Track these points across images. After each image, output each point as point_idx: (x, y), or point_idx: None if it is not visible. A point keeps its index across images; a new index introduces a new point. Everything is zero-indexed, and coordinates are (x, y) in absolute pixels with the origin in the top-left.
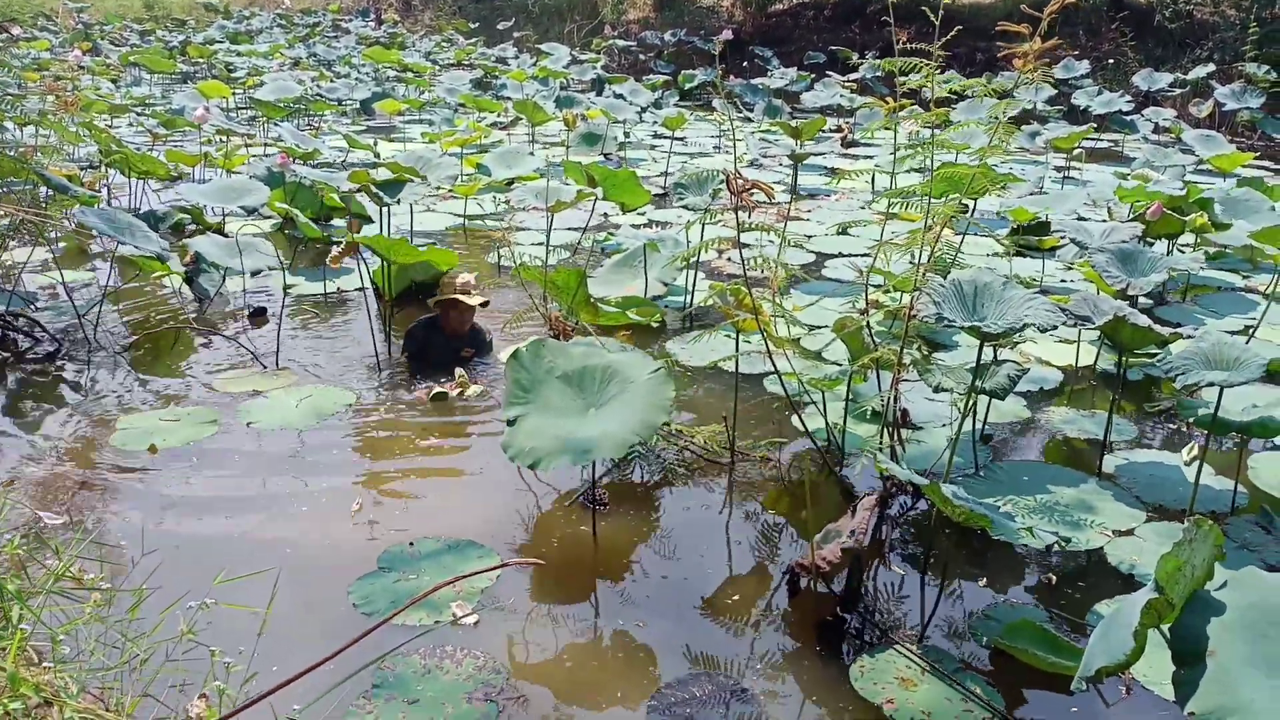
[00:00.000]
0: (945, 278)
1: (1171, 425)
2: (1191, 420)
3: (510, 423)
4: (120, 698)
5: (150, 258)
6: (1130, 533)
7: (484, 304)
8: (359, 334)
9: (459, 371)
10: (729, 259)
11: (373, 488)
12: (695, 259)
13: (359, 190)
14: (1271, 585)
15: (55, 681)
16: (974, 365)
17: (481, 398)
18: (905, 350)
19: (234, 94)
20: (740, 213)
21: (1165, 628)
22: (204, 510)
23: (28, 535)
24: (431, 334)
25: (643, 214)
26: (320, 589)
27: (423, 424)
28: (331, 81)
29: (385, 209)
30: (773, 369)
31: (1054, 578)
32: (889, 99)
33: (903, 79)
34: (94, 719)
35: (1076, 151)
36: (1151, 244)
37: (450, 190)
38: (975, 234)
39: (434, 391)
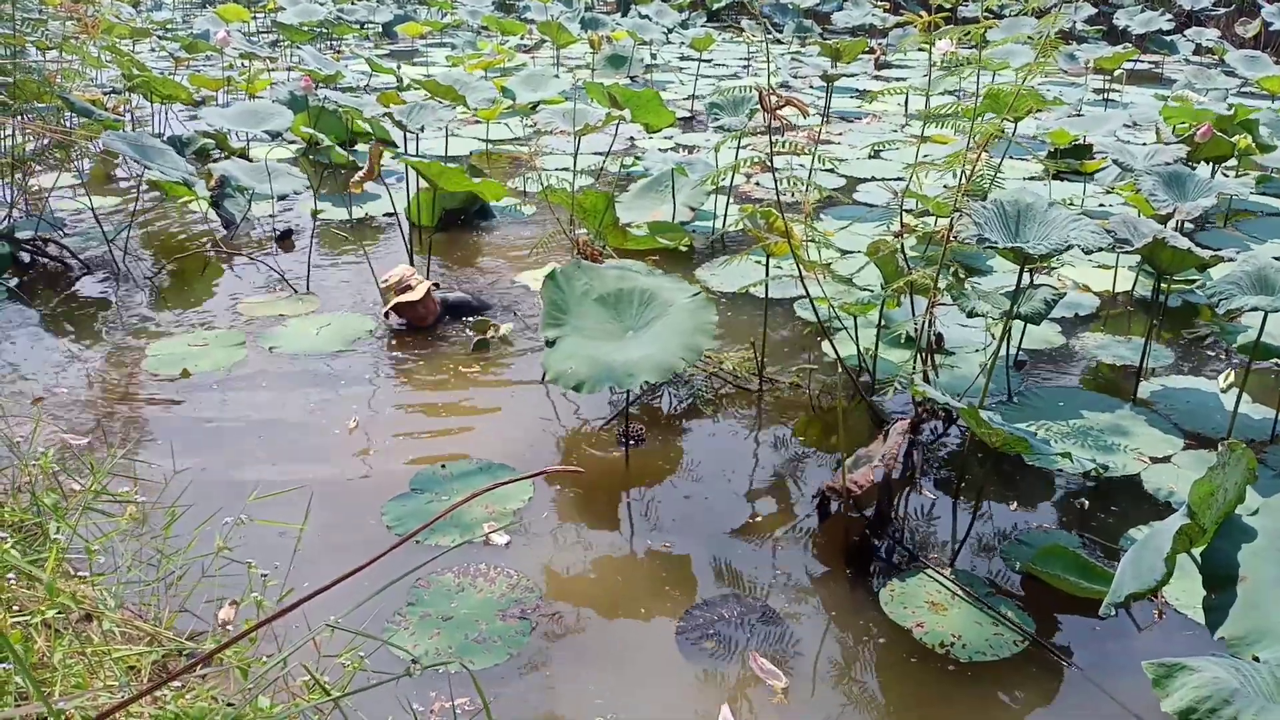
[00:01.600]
0: (984, 200)
1: (1210, 352)
2: (1233, 346)
3: (550, 343)
4: (158, 612)
5: (176, 183)
6: (1167, 460)
7: (432, 288)
8: (391, 260)
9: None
10: (757, 183)
11: (401, 412)
12: (729, 181)
13: (384, 115)
14: None
15: (93, 595)
16: (1012, 290)
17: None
18: (941, 274)
19: (253, 18)
20: (774, 133)
21: (1197, 553)
22: (234, 433)
23: (62, 454)
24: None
25: (669, 138)
26: (352, 510)
27: (449, 352)
28: (353, 4)
29: (412, 134)
30: (804, 294)
31: (1087, 503)
32: (921, 15)
33: None
34: (132, 631)
35: (1116, 73)
36: (1194, 167)
37: (474, 114)
38: (1014, 157)
39: (475, 340)
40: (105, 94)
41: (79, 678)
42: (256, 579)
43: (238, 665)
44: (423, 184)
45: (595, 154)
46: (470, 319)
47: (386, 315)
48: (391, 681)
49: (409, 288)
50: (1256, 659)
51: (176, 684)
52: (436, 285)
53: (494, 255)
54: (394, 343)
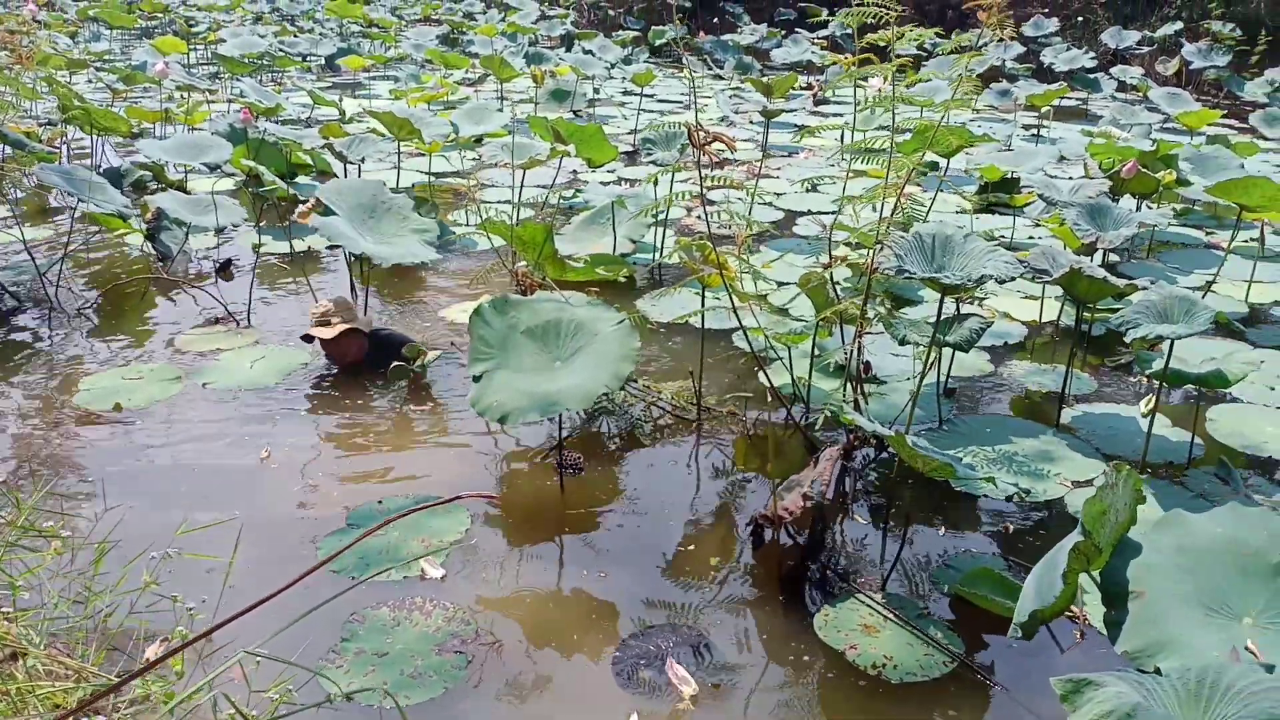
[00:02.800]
0: (906, 232)
1: (1131, 379)
2: (1149, 373)
3: (476, 379)
4: (85, 650)
5: (112, 215)
6: (1089, 483)
7: (345, 333)
8: (332, 292)
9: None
10: (698, 216)
11: (338, 447)
12: (665, 215)
13: (324, 146)
14: (1197, 526)
15: (18, 632)
16: (941, 320)
17: (441, 361)
18: (869, 304)
19: (192, 49)
20: (705, 167)
21: (1095, 573)
22: (165, 470)
23: None
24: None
25: (612, 171)
26: (289, 547)
27: (385, 386)
28: (295, 36)
29: (354, 165)
30: (739, 325)
31: (1013, 528)
32: (849, 55)
33: (865, 35)
34: (58, 669)
35: (1044, 110)
36: (1117, 200)
37: (415, 147)
38: (945, 191)
39: (393, 367)
40: (40, 125)
41: (3, 715)
42: (184, 613)
43: (163, 700)
44: None
45: (538, 187)
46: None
47: (308, 340)
48: (314, 709)
49: (326, 324)
50: (1158, 671)
51: (100, 718)
52: (355, 329)
53: (434, 290)
54: (328, 378)
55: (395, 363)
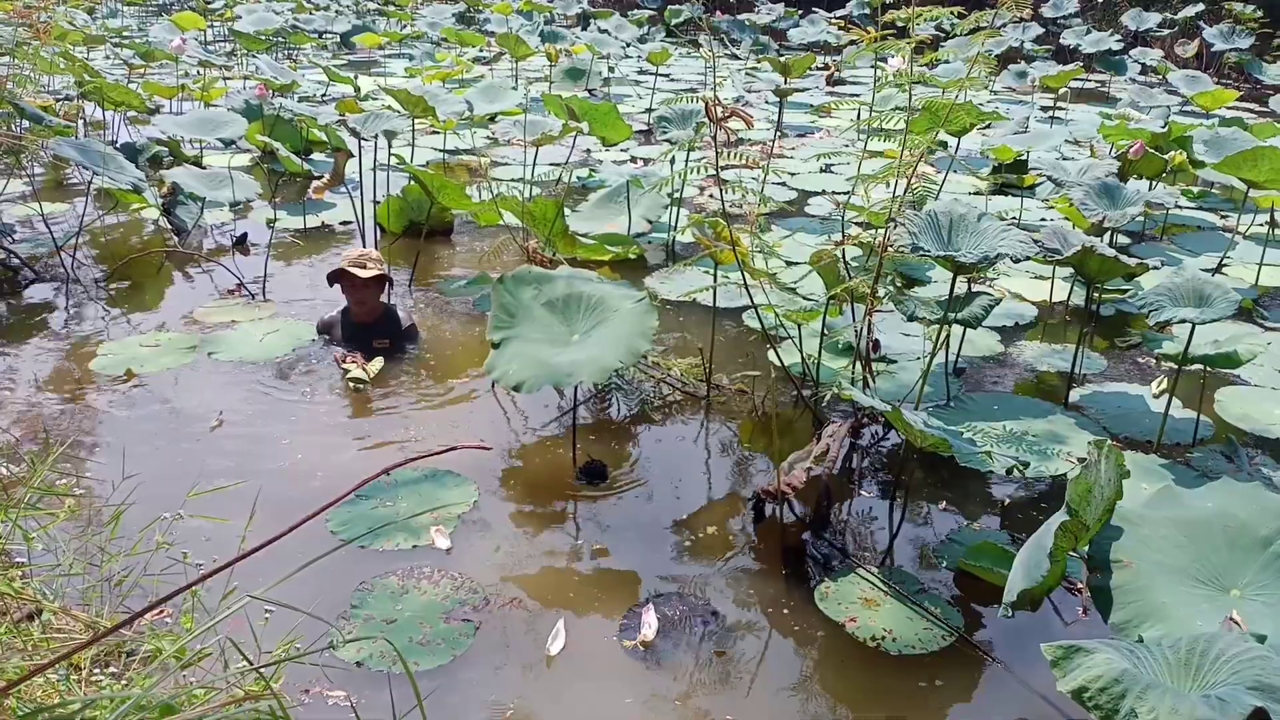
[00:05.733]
0: (919, 211)
1: (1140, 360)
2: (1160, 354)
3: (496, 345)
4: (99, 609)
5: (126, 189)
6: None
7: (379, 279)
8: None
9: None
10: (710, 195)
11: (348, 419)
12: (679, 194)
13: (339, 123)
14: (1185, 499)
15: (34, 589)
16: (947, 296)
17: (457, 335)
18: (879, 283)
19: (209, 26)
20: (721, 144)
21: (1084, 547)
22: (182, 437)
23: (6, 457)
24: (346, 326)
25: (625, 150)
26: (295, 516)
27: (392, 362)
28: (310, 14)
29: (373, 142)
30: (750, 303)
31: (1017, 503)
32: (869, 32)
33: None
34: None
35: (1063, 91)
36: (1125, 181)
37: (431, 124)
38: (958, 172)
39: (350, 378)
40: (57, 100)
41: (20, 670)
42: (193, 571)
43: (174, 655)
44: (392, 191)
45: (552, 165)
46: (386, 341)
47: (335, 279)
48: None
49: (362, 265)
50: (1141, 640)
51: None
52: (383, 279)
53: (452, 264)
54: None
55: (350, 375)
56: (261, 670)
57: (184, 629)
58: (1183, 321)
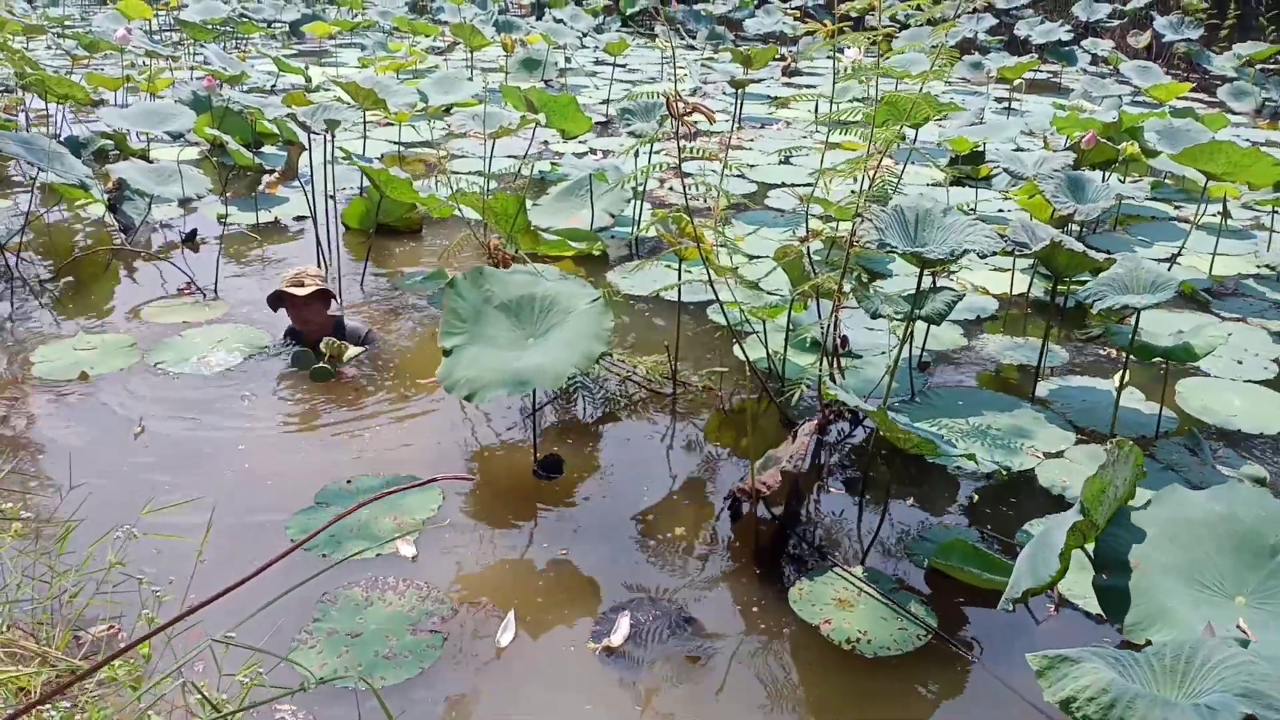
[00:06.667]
0: (885, 205)
1: (1103, 352)
2: (1116, 345)
3: (447, 353)
4: (50, 631)
5: (72, 185)
6: (1060, 455)
7: (320, 294)
8: (303, 263)
9: (331, 342)
10: (670, 188)
11: (303, 425)
12: (642, 187)
13: (288, 115)
14: (1190, 501)
15: None
16: (913, 292)
17: (413, 337)
18: (845, 279)
19: (155, 15)
20: (682, 138)
21: (1089, 547)
22: (132, 446)
23: None
24: (299, 342)
25: (584, 142)
26: (256, 526)
27: (354, 365)
28: (259, 2)
29: (324, 135)
30: (715, 298)
31: (985, 499)
32: (825, 24)
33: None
34: (21, 651)
35: (1017, 82)
36: (1077, 170)
37: (385, 116)
38: (916, 163)
39: (314, 369)
40: None
41: None
42: (149, 596)
43: (129, 684)
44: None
45: (510, 157)
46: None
47: (276, 301)
48: (287, 696)
49: (300, 284)
50: (1149, 643)
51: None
52: (327, 292)
53: (416, 260)
54: (289, 359)
55: (316, 365)
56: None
57: (140, 653)
58: (1125, 308)
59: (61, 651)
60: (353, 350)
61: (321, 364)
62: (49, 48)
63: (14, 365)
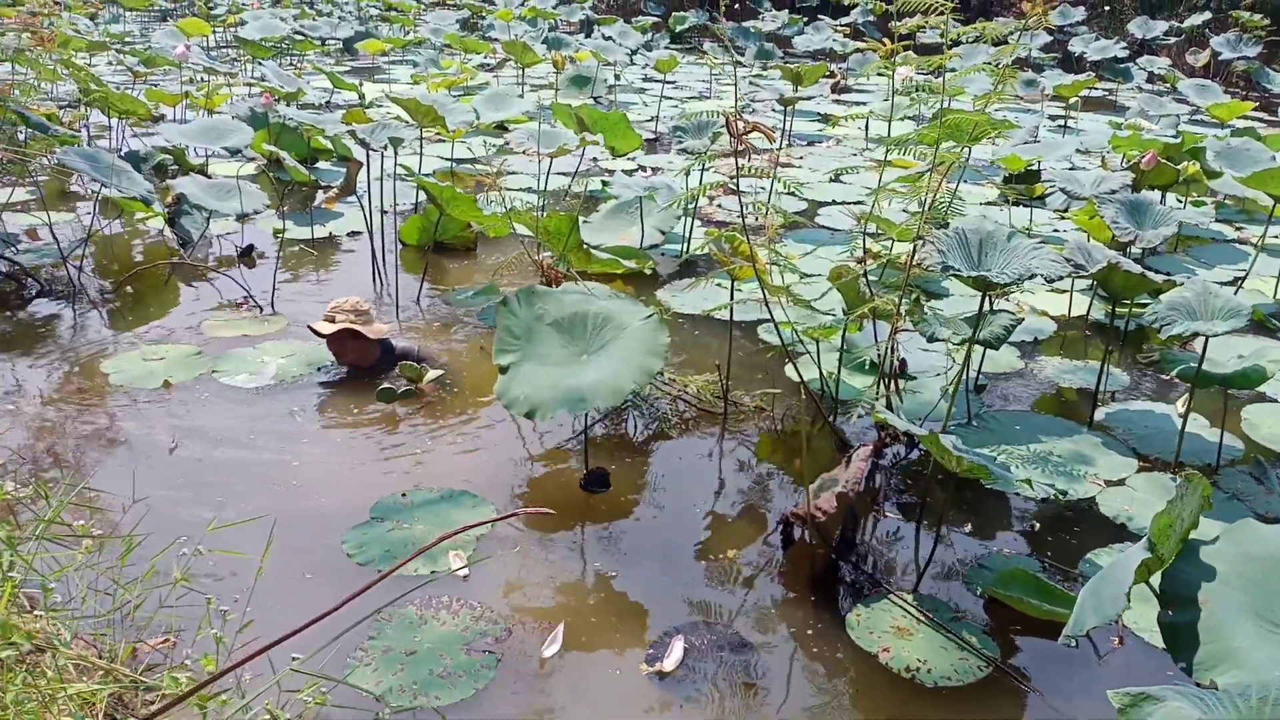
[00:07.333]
0: (945, 227)
1: (1164, 376)
2: (1175, 373)
3: (503, 370)
4: (113, 645)
5: (134, 199)
6: (1122, 483)
7: (345, 333)
8: (354, 278)
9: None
10: (719, 205)
11: (359, 441)
12: (693, 204)
13: (346, 132)
14: (1263, 536)
15: (48, 629)
16: (973, 316)
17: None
18: (903, 300)
19: (214, 32)
20: (739, 155)
21: (1154, 580)
22: (193, 459)
23: (15, 480)
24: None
25: (633, 159)
26: (312, 539)
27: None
28: (314, 19)
29: (380, 151)
30: (767, 317)
31: (1045, 527)
32: (885, 42)
33: (898, 23)
34: (87, 665)
35: (1072, 100)
36: (1137, 192)
37: (438, 133)
38: (969, 181)
39: (380, 389)
40: (61, 108)
41: (33, 715)
42: (215, 614)
43: (197, 705)
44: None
45: (559, 174)
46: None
47: (320, 335)
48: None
49: (331, 320)
50: (1214, 684)
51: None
52: (353, 332)
53: (470, 277)
54: (350, 377)
55: (381, 386)
56: None
57: (204, 669)
58: (1194, 335)
59: (125, 663)
60: (432, 373)
61: (388, 386)
62: (109, 64)
63: (80, 376)
